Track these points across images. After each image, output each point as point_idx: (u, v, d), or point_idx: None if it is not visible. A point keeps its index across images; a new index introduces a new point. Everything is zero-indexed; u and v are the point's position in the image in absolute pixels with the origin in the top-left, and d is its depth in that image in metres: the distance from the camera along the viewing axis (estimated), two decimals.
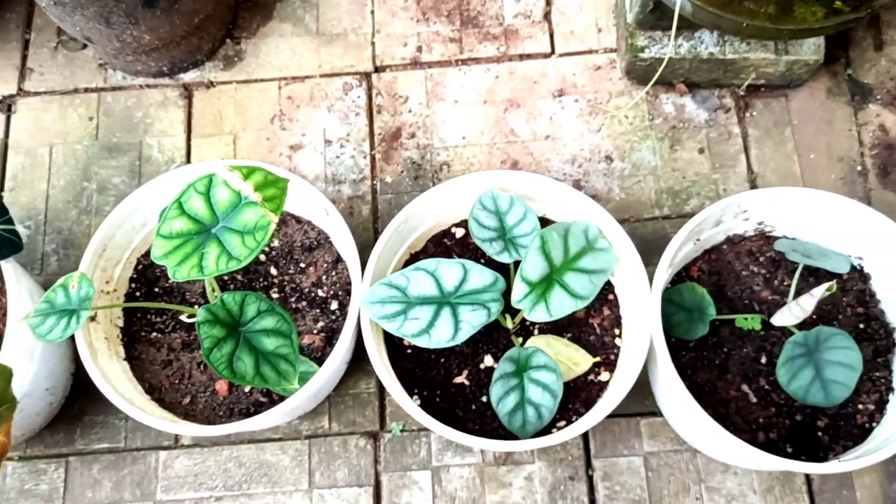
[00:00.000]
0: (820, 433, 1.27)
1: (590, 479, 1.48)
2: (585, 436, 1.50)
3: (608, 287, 1.37)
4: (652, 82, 1.56)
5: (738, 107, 1.69)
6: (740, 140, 1.68)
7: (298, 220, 1.41)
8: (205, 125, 1.72)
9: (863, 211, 1.26)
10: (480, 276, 1.20)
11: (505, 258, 1.26)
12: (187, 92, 1.75)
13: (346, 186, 1.66)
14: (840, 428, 1.27)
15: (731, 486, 1.46)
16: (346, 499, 1.47)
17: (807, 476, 1.46)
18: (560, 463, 1.48)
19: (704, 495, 1.46)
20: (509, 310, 1.32)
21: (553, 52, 1.75)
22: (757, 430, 1.27)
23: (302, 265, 1.38)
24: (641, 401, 1.52)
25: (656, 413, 1.51)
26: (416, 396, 1.30)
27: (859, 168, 1.65)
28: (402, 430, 1.51)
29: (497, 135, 1.69)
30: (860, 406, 1.27)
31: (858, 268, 1.35)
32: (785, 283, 1.35)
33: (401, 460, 1.49)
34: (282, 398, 1.26)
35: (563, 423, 1.27)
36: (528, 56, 1.75)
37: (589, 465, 1.49)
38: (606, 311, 1.35)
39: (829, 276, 1.35)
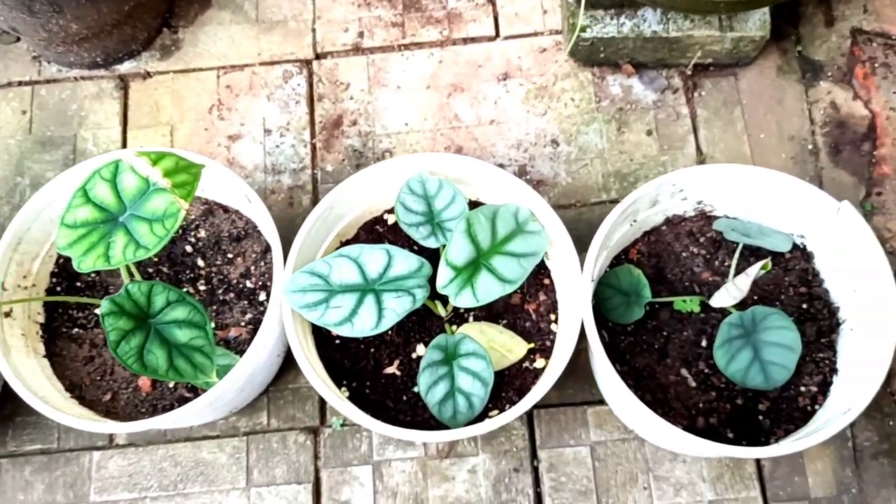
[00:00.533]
0: (761, 417, 1.23)
1: (535, 471, 1.44)
2: (531, 426, 1.46)
3: (544, 272, 1.33)
4: (567, 50, 1.54)
5: (686, 87, 1.65)
6: (689, 121, 1.64)
7: (226, 210, 1.36)
8: (141, 117, 1.67)
9: (802, 188, 1.22)
10: (405, 261, 1.16)
11: (432, 243, 1.22)
12: (123, 83, 1.70)
13: (286, 176, 1.62)
14: (782, 411, 1.23)
15: (680, 474, 1.42)
16: (285, 496, 1.43)
17: (757, 463, 1.42)
18: (505, 455, 1.44)
19: (652, 485, 1.42)
20: (441, 297, 1.27)
21: (498, 35, 1.71)
22: (697, 416, 1.23)
23: (230, 256, 1.34)
24: (588, 389, 1.48)
25: (603, 401, 1.47)
26: (344, 388, 1.25)
27: (810, 147, 1.61)
28: (342, 425, 1.47)
29: (441, 120, 1.65)
30: (802, 388, 1.24)
31: (801, 246, 1.31)
32: (725, 264, 1.31)
33: (341, 455, 1.45)
34: None
35: (495, 412, 1.23)
36: (472, 40, 1.71)
37: (534, 456, 1.45)
38: (542, 297, 1.31)
39: (771, 255, 1.31)
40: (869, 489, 1.40)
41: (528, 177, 1.60)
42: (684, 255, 1.32)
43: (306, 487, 1.43)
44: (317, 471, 1.45)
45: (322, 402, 1.48)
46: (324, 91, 1.68)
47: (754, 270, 1.14)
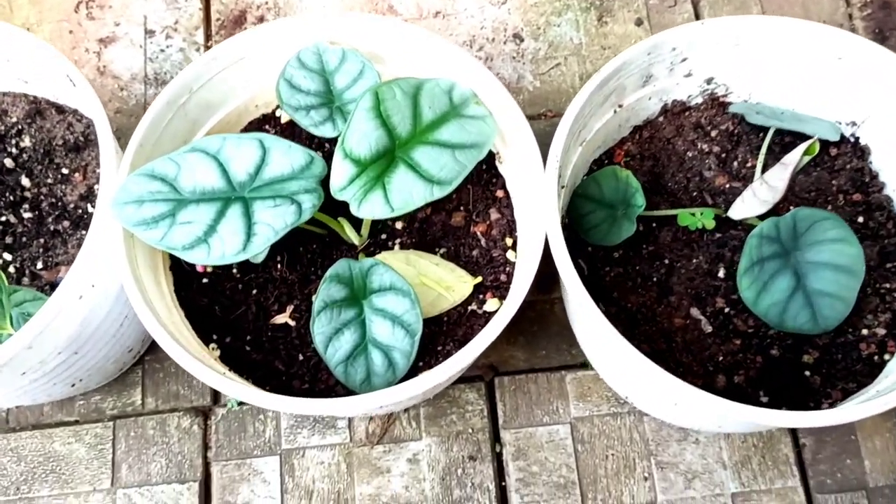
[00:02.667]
0: (808, 373, 0.86)
1: (498, 459, 1.08)
2: (492, 400, 1.10)
3: (497, 181, 0.96)
4: None
5: None
6: (690, 6, 1.28)
7: (61, 110, 1.00)
8: None
9: (857, 45, 0.85)
10: (286, 156, 0.80)
11: (328, 131, 0.86)
12: None
13: None
14: (836, 364, 0.87)
15: (692, 458, 1.06)
16: (162, 501, 1.07)
17: (795, 442, 1.06)
18: (457, 438, 1.08)
19: (655, 473, 1.05)
20: (353, 216, 0.91)
21: None
22: (715, 373, 0.87)
23: (65, 171, 0.97)
24: (567, 349, 1.12)
25: (587, 364, 1.10)
26: (214, 345, 0.89)
27: None
28: (240, 403, 1.10)
29: (371, 12, 1.28)
30: (864, 331, 0.87)
31: (851, 139, 0.95)
32: (748, 165, 0.94)
33: (239, 444, 1.09)
34: None
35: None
36: None
37: (496, 439, 1.08)
38: (495, 215, 0.94)
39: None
40: None
41: None
42: (690, 154, 0.96)
43: (191, 487, 1.07)
44: (206, 465, 1.09)
45: None
46: None
47: (795, 156, 0.78)
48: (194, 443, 1.09)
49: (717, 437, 1.07)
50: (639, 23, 1.26)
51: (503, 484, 1.07)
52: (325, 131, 0.85)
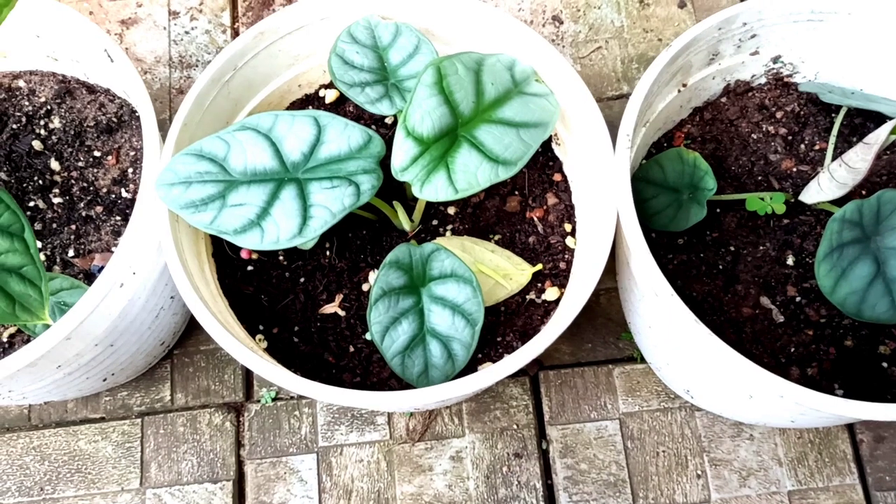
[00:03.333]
0: (885, 364, 0.83)
1: (544, 456, 1.03)
2: (537, 395, 1.06)
3: (553, 164, 0.92)
4: None
5: None
6: None
7: (92, 90, 0.94)
8: None
9: None
10: (343, 134, 0.75)
11: (385, 108, 0.81)
12: None
13: (199, 71, 1.20)
14: None
15: (746, 455, 1.02)
16: (194, 501, 1.02)
17: (853, 438, 1.03)
18: (501, 435, 1.04)
19: (709, 471, 1.01)
20: (404, 201, 0.87)
21: None
22: (788, 364, 0.83)
23: (97, 154, 0.92)
24: (614, 342, 1.08)
25: (635, 357, 1.06)
26: (261, 336, 0.84)
27: None
28: (274, 398, 1.06)
29: None
30: None
31: None
32: (816, 147, 0.90)
33: (273, 442, 1.04)
34: None
35: (488, 365, 0.82)
36: None
37: (542, 435, 1.04)
38: (552, 200, 0.90)
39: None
40: None
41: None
42: (754, 137, 0.92)
43: (224, 487, 1.02)
44: (239, 464, 1.04)
45: (249, 370, 1.07)
46: None
47: (880, 136, 0.74)
48: (227, 440, 1.05)
49: (772, 433, 1.03)
50: (682, 5, 1.22)
51: (550, 482, 1.02)
52: (382, 108, 0.81)
